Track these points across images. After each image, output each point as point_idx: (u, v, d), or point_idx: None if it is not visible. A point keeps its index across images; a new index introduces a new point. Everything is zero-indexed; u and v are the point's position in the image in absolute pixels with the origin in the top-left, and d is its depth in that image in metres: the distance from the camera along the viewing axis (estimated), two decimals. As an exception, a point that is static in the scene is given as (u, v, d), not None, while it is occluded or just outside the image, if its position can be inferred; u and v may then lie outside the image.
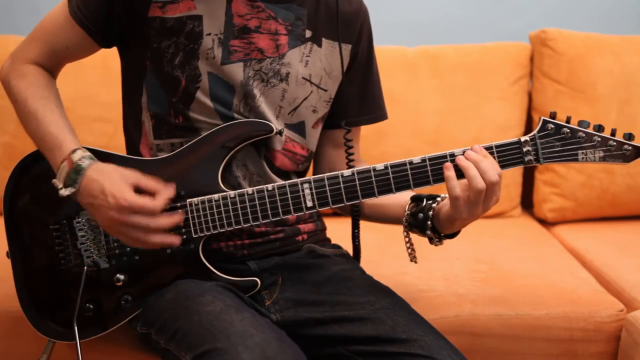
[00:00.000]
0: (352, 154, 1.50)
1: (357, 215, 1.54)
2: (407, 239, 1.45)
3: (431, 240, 1.41)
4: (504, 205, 2.35)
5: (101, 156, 1.40)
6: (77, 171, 1.32)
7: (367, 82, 1.57)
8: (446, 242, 2.03)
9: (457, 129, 2.30)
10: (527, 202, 2.43)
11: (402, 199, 1.44)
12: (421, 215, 1.39)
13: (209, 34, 1.39)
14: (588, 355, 1.63)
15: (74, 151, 1.35)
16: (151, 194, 1.31)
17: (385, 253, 1.90)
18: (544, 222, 2.36)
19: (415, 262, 1.45)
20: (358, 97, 1.55)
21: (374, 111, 1.59)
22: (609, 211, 2.33)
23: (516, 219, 2.37)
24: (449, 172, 1.29)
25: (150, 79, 1.42)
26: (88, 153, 1.35)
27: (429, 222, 1.38)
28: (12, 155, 2.14)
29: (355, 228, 1.55)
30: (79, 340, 1.39)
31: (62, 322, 1.43)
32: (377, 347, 1.34)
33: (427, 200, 1.40)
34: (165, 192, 1.32)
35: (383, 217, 1.52)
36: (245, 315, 1.27)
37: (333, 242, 1.61)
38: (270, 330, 1.25)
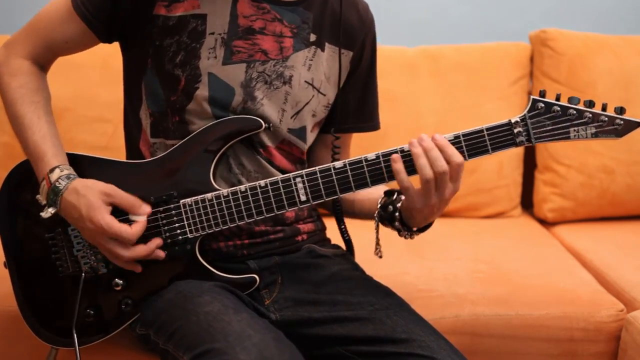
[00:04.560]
0: (338, 154, 1.50)
1: (339, 209, 1.53)
2: (376, 232, 1.44)
3: (400, 232, 1.40)
4: (504, 205, 2.35)
5: (89, 162, 1.40)
6: (54, 192, 1.34)
7: (366, 92, 1.56)
8: (446, 242, 2.04)
9: (457, 129, 2.27)
10: (527, 202, 2.43)
11: (376, 194, 1.44)
12: (391, 207, 1.39)
13: (212, 33, 1.39)
14: (588, 355, 1.63)
15: (51, 170, 1.35)
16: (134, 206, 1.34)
17: (385, 253, 1.89)
18: (544, 222, 2.36)
19: (380, 256, 1.44)
20: (356, 105, 1.55)
21: (369, 120, 1.59)
22: (609, 211, 2.33)
23: (516, 219, 2.36)
24: (397, 164, 1.29)
25: (150, 76, 1.41)
26: (65, 171, 1.35)
27: (397, 214, 1.38)
28: (12, 155, 2.13)
29: (341, 224, 1.55)
30: (81, 346, 1.39)
31: (64, 329, 1.42)
32: (377, 348, 1.34)
33: (397, 194, 1.40)
34: (142, 220, 1.34)
35: (359, 213, 1.53)
36: (243, 315, 1.27)
37: (333, 242, 1.61)
38: (268, 330, 1.25)
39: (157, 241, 1.35)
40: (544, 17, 2.61)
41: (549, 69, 2.33)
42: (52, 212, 1.34)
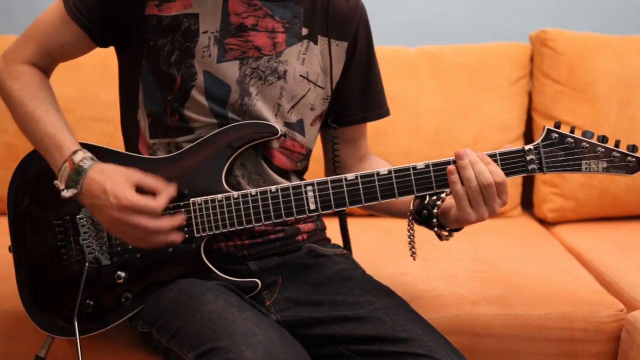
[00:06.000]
0: (337, 150, 1.53)
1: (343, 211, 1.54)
2: (410, 235, 1.43)
3: (440, 237, 1.41)
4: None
5: (104, 154, 1.41)
6: (78, 172, 1.33)
7: (368, 79, 1.57)
8: (446, 242, 2.04)
9: (457, 129, 2.30)
10: (527, 202, 2.43)
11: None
12: (425, 212, 1.39)
13: (205, 32, 1.39)
14: (588, 355, 1.63)
15: (74, 152, 1.35)
16: (153, 193, 1.32)
17: (385, 253, 1.90)
18: (544, 222, 2.36)
19: (414, 258, 1.44)
20: (361, 95, 1.56)
21: (378, 107, 1.59)
22: (609, 211, 2.33)
23: (516, 219, 2.36)
24: (453, 176, 1.30)
25: (146, 77, 1.42)
26: (89, 154, 1.36)
27: (435, 220, 1.38)
28: (12, 155, 2.14)
29: (344, 222, 1.56)
30: (78, 336, 1.39)
31: (62, 317, 1.43)
32: (377, 347, 1.34)
33: (430, 197, 1.39)
34: (167, 190, 1.33)
35: (389, 212, 1.53)
36: (247, 314, 1.27)
37: (333, 242, 1.61)
38: (273, 329, 1.25)
39: (182, 216, 1.34)
40: (544, 17, 2.61)
41: (549, 69, 2.33)
42: (71, 193, 1.33)
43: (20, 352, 1.58)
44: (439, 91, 2.33)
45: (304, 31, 1.46)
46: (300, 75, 1.46)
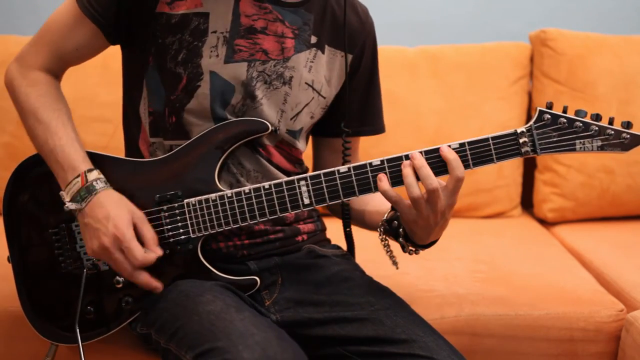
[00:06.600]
0: (349, 155, 1.51)
1: (347, 215, 1.54)
2: (385, 245, 1.44)
3: (404, 248, 1.41)
4: (504, 205, 2.35)
5: (96, 159, 1.40)
6: (89, 190, 1.34)
7: (369, 94, 1.56)
8: (446, 242, 2.03)
9: (457, 129, 2.30)
10: (527, 202, 2.43)
11: (385, 206, 1.44)
12: (395, 222, 1.40)
13: (215, 32, 1.39)
14: (588, 355, 1.63)
15: (90, 170, 1.36)
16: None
17: (385, 253, 1.90)
18: (544, 222, 2.36)
19: (397, 267, 1.44)
20: (359, 108, 1.55)
21: (374, 123, 1.59)
22: (609, 211, 2.33)
23: (516, 219, 2.37)
24: (382, 183, 1.30)
25: (151, 74, 1.42)
26: (103, 177, 1.36)
27: (401, 230, 1.38)
28: (12, 156, 2.14)
29: (347, 227, 1.55)
30: (82, 342, 1.39)
31: (64, 325, 1.43)
32: (377, 348, 1.34)
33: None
34: (157, 248, 1.34)
35: (368, 224, 1.53)
36: (245, 314, 1.27)
37: (333, 242, 1.61)
38: (270, 329, 1.25)
39: (157, 283, 1.35)
40: (544, 17, 2.61)
41: (549, 69, 2.33)
42: (74, 207, 1.34)
43: (20, 352, 1.58)
44: (439, 91, 2.33)
45: (313, 39, 1.46)
46: (306, 83, 1.45)
